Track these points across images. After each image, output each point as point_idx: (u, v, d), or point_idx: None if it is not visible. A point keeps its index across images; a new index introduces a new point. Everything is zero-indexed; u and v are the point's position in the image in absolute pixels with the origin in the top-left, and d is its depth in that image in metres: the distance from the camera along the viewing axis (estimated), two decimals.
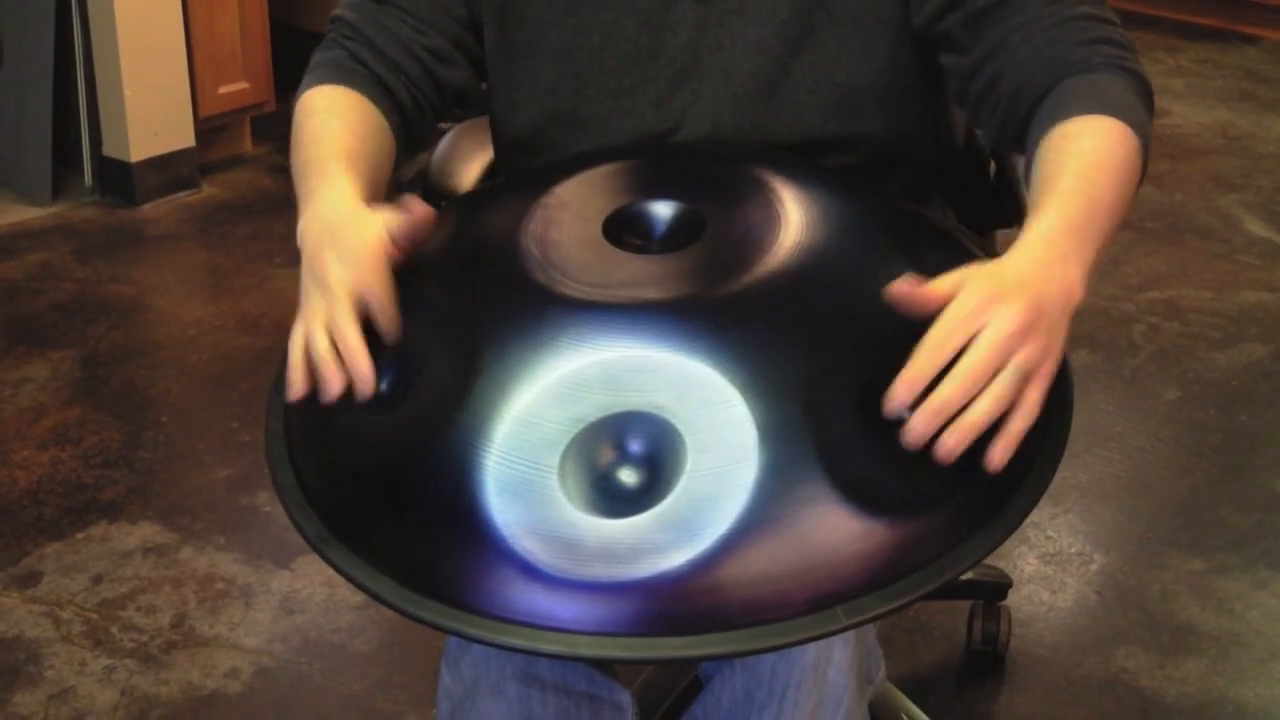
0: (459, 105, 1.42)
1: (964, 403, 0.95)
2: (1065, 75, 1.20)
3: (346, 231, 1.10)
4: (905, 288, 0.97)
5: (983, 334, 0.95)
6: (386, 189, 1.30)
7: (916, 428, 0.94)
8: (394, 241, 1.10)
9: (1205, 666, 1.98)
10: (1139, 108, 1.17)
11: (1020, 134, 1.22)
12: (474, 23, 1.38)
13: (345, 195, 1.16)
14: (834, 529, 0.95)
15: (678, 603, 0.94)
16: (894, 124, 1.34)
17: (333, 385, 1.04)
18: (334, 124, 1.29)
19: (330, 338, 1.05)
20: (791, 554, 0.94)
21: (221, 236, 3.17)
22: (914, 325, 1.03)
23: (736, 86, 1.31)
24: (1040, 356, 0.97)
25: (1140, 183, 1.15)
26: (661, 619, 0.94)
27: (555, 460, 0.97)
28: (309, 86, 1.34)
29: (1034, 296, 0.97)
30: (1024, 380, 0.96)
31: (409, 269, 1.13)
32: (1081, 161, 1.10)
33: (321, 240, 1.11)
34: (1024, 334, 0.96)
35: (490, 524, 0.96)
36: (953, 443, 0.94)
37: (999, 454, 0.96)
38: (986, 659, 1.98)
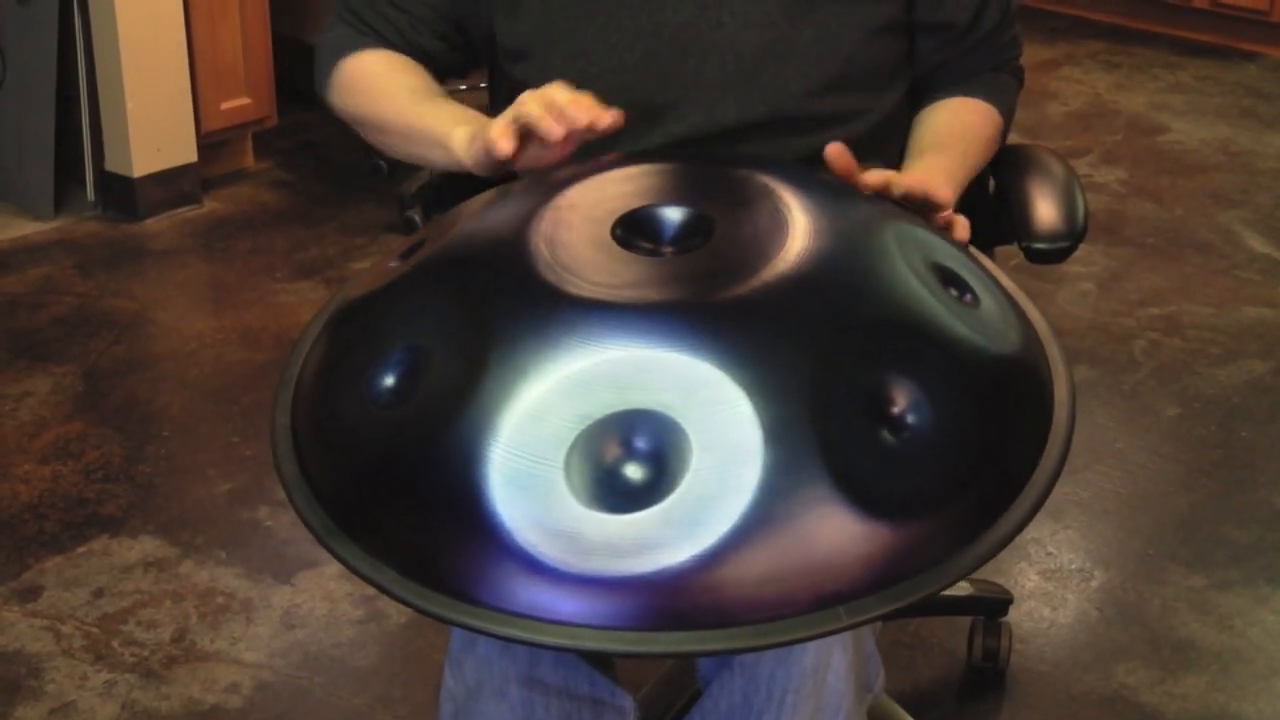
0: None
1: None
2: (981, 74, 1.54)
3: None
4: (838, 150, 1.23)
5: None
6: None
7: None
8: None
9: (1206, 682, 1.98)
10: (1013, 97, 1.55)
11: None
12: (461, 18, 1.47)
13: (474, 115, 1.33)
14: (837, 529, 0.96)
15: (680, 599, 0.94)
16: (888, 100, 1.44)
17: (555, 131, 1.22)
18: (405, 77, 1.43)
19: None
20: (794, 553, 0.95)
21: (223, 251, 3.18)
22: (920, 330, 1.04)
23: (744, 63, 1.37)
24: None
25: (1001, 145, 1.54)
26: (664, 614, 0.94)
27: (561, 456, 0.97)
28: (341, 56, 1.47)
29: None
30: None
31: (419, 264, 1.14)
32: (963, 129, 1.47)
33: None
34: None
35: (495, 518, 0.97)
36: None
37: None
38: (987, 675, 1.98)
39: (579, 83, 1.40)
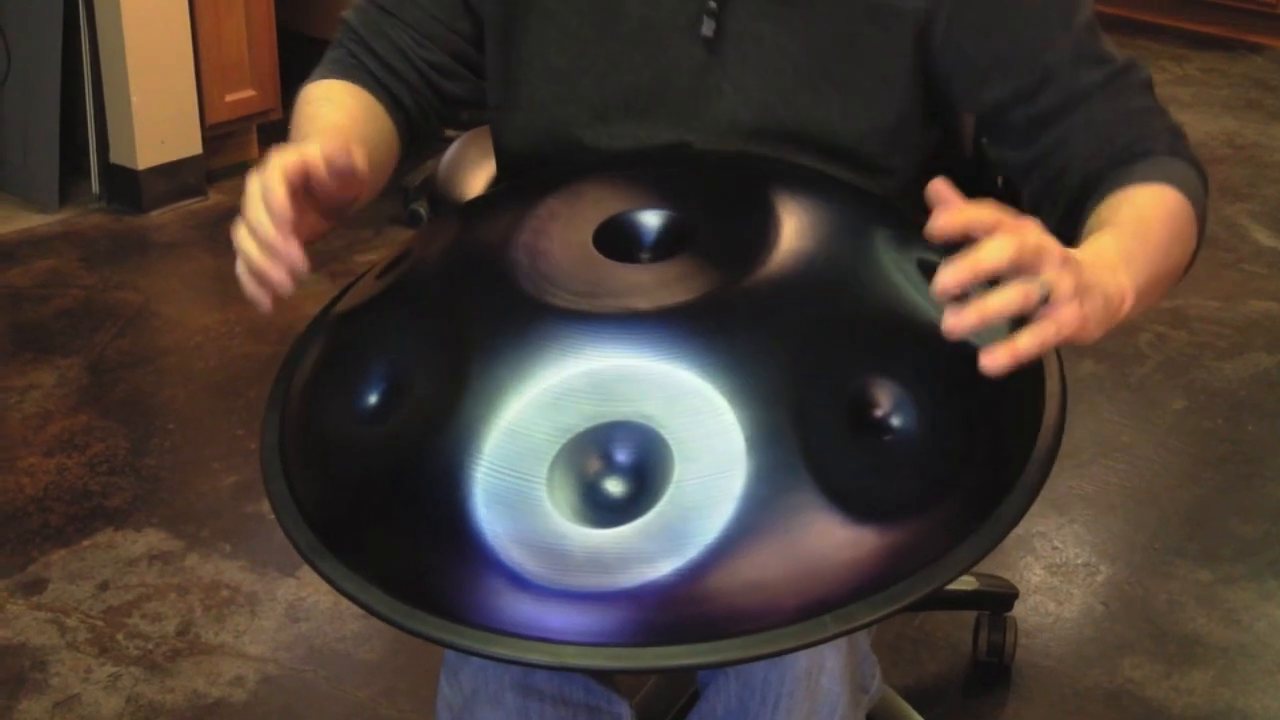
0: (466, 110, 1.43)
1: (1005, 314, 0.93)
2: (1129, 163, 1.23)
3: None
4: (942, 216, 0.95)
5: (1039, 278, 0.96)
6: (390, 181, 1.33)
7: (959, 319, 0.93)
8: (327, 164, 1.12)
9: (1212, 677, 1.98)
10: (1196, 184, 1.22)
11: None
12: (479, 37, 1.37)
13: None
14: (822, 536, 0.95)
15: (665, 612, 0.94)
16: (898, 174, 1.32)
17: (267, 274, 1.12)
18: (328, 109, 1.30)
19: (256, 224, 1.14)
20: (780, 562, 0.94)
21: (228, 244, 3.16)
22: (903, 330, 1.03)
23: (737, 140, 1.29)
24: (1073, 319, 0.96)
25: (1196, 250, 1.19)
26: (649, 628, 0.93)
27: (543, 471, 0.97)
28: (311, 81, 1.37)
29: (1091, 276, 1.00)
30: (1055, 326, 0.96)
31: (400, 278, 1.14)
32: (1135, 210, 1.15)
33: None
34: (1070, 297, 0.97)
35: (479, 535, 0.96)
36: (958, 322, 0.93)
37: (995, 358, 0.94)
38: (992, 670, 1.98)
39: (564, 131, 1.30)
